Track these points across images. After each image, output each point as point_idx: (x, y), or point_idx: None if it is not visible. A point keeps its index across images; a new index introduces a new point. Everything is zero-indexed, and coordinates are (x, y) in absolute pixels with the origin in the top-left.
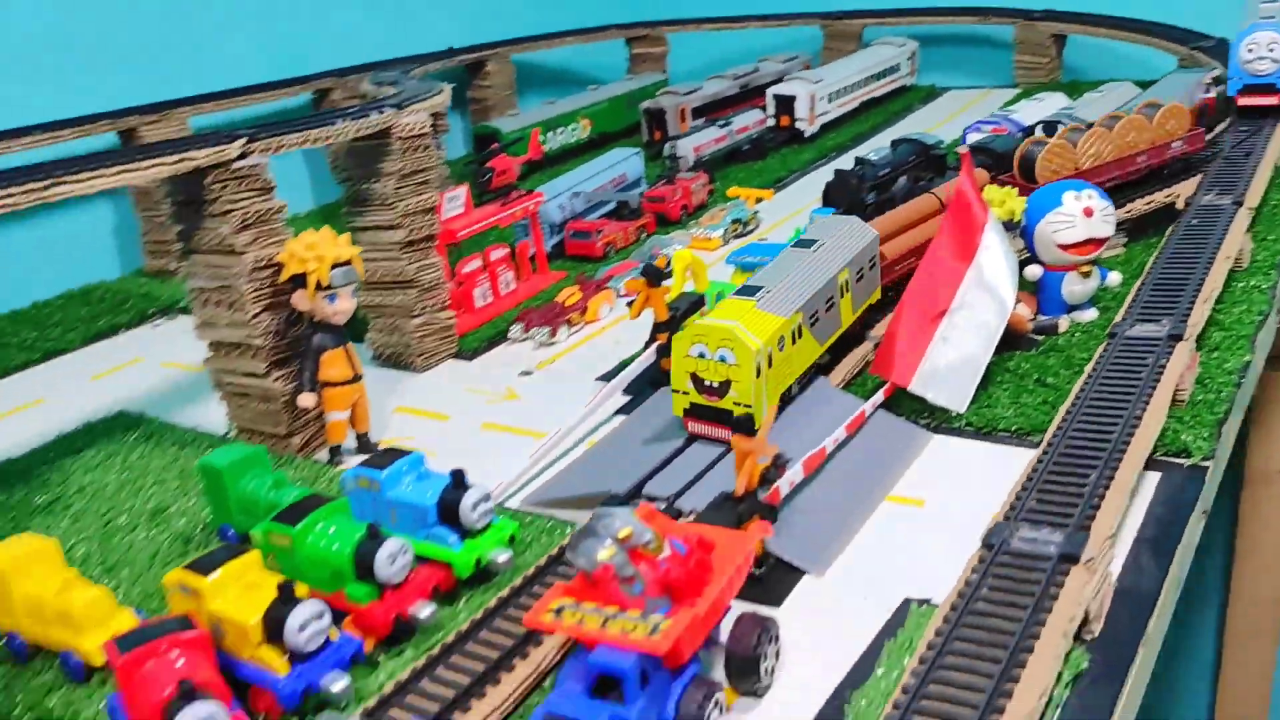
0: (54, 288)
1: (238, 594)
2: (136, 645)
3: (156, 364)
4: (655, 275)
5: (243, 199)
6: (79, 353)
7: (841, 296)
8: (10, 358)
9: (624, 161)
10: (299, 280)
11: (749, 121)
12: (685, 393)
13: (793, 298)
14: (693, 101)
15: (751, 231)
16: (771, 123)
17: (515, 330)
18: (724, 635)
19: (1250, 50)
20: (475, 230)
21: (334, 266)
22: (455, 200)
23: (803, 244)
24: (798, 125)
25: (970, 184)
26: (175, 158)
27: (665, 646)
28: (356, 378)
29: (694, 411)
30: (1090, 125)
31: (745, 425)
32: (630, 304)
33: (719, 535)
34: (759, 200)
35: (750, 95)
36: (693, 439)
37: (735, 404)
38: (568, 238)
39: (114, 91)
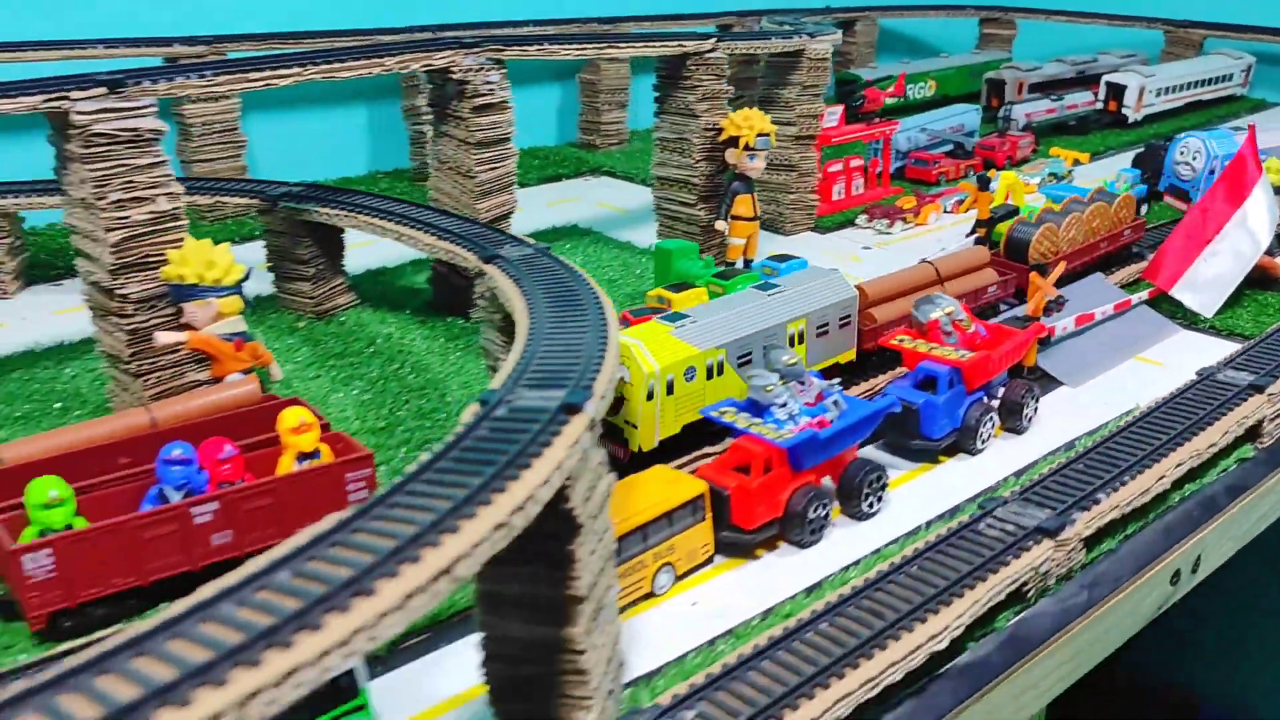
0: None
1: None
2: None
3: (593, 203)
4: (984, 183)
5: (706, 79)
6: (536, 189)
7: (791, 345)
8: None
9: (964, 114)
10: (732, 141)
11: (1079, 100)
12: None
13: (718, 333)
14: (1031, 78)
15: (1068, 180)
16: (1099, 105)
17: (862, 219)
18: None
19: (1181, 154)
20: (843, 140)
21: (759, 135)
22: (833, 115)
23: (762, 287)
24: (1124, 111)
25: (1251, 149)
26: (675, 44)
27: (965, 362)
28: (755, 218)
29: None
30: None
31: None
32: (959, 202)
33: (1007, 331)
34: (1075, 162)
35: (1083, 82)
36: None
37: (625, 422)
38: (909, 164)
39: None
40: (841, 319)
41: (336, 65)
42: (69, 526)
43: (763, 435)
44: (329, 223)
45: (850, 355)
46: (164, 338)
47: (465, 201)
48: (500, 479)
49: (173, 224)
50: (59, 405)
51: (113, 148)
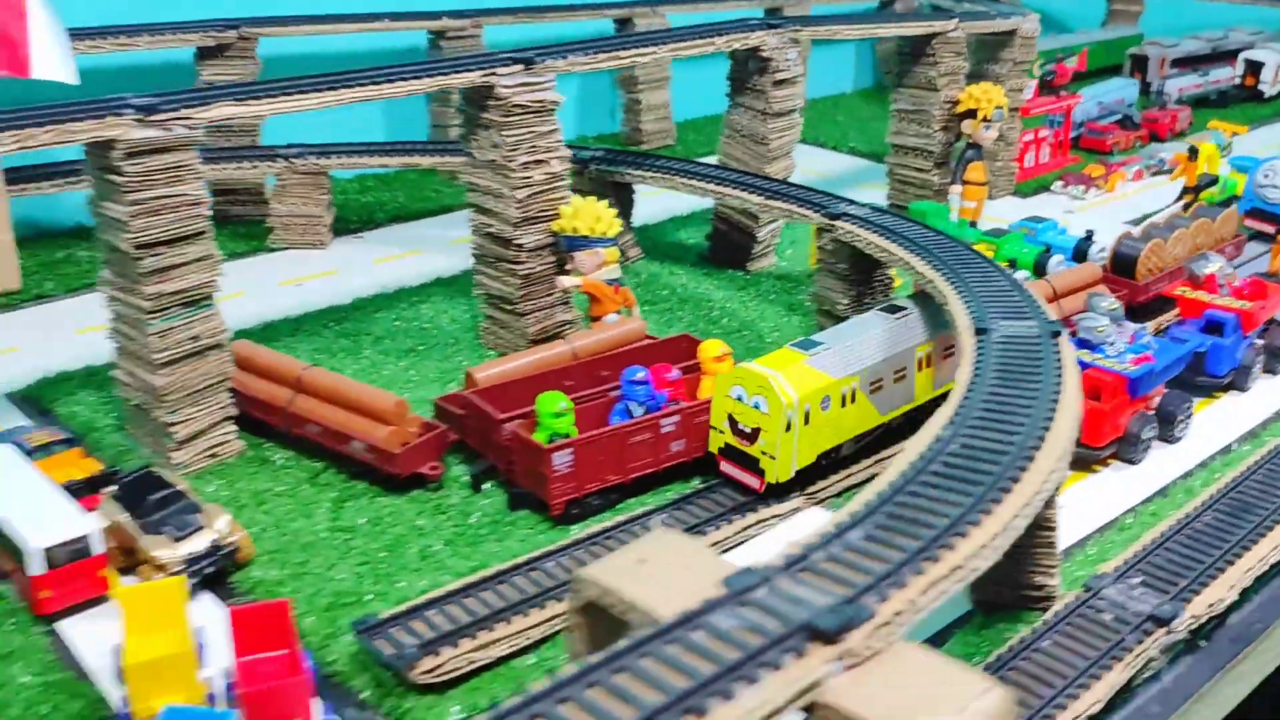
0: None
1: None
2: None
3: None
4: (1194, 153)
5: (947, 57)
6: None
7: (919, 369)
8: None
9: (1125, 88)
10: (969, 113)
11: (1220, 75)
12: (721, 431)
13: (852, 360)
14: (1172, 54)
15: (1227, 153)
16: (1237, 80)
17: (1057, 185)
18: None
19: (1265, 176)
20: (1037, 112)
21: (995, 108)
22: (1029, 89)
23: (889, 309)
24: (1260, 87)
25: None
26: (924, 25)
27: (1245, 310)
28: (984, 184)
29: (727, 452)
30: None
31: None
32: (1142, 170)
33: (1264, 284)
34: (1234, 134)
35: (1217, 57)
36: None
37: (762, 453)
38: (1084, 134)
39: None
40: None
41: (678, 45)
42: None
43: (1110, 368)
44: (642, 184)
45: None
46: (565, 281)
47: (755, 166)
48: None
49: (560, 183)
50: (436, 341)
51: (524, 116)
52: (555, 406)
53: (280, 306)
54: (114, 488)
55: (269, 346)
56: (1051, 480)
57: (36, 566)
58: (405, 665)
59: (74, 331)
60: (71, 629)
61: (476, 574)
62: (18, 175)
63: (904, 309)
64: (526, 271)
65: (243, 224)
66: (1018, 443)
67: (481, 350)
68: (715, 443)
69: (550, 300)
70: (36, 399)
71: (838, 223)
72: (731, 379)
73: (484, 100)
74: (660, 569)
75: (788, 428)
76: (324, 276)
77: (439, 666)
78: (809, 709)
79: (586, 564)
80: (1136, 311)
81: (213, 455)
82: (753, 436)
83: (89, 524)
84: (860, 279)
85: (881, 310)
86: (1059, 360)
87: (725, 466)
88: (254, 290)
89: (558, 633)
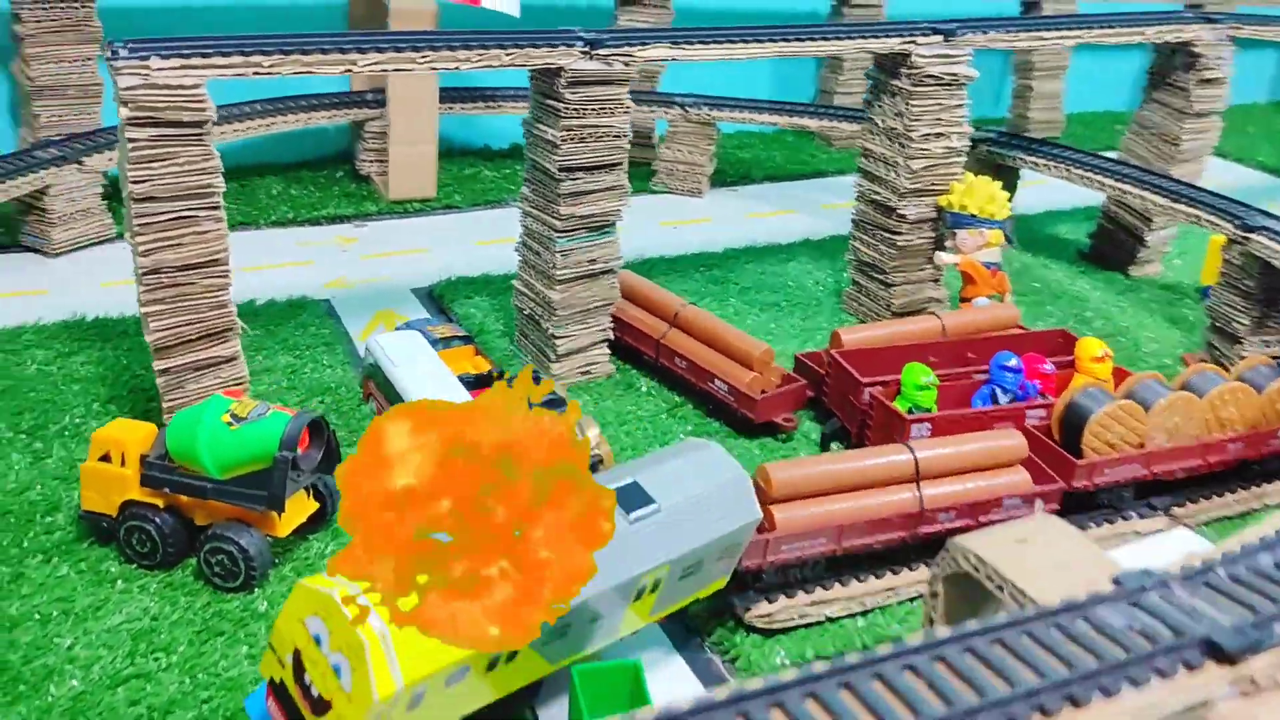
0: None
1: None
2: None
3: None
4: None
5: None
6: None
7: (633, 600)
8: None
9: None
10: None
11: None
12: (281, 662)
13: None
14: None
15: None
16: None
17: None
18: None
19: None
20: None
21: None
22: None
23: (630, 496)
24: None
25: None
26: None
27: None
28: None
29: (280, 691)
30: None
31: None
32: None
33: None
34: None
35: None
36: None
37: None
38: None
39: None
40: (727, 550)
41: (1103, 31)
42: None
43: None
44: (1033, 170)
45: (720, 584)
46: (944, 257)
47: (1159, 166)
48: None
49: (956, 159)
50: (798, 299)
51: (934, 88)
52: (921, 379)
53: (657, 245)
54: None
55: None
56: None
57: None
58: (741, 607)
59: (475, 242)
60: None
61: None
62: (444, 95)
63: (649, 502)
64: (904, 243)
65: (632, 165)
66: None
67: (841, 314)
68: (267, 667)
69: (921, 275)
70: (439, 297)
71: (1254, 236)
72: (312, 602)
73: (897, 68)
74: (1041, 553)
75: None
76: (699, 223)
77: (772, 614)
78: None
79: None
80: None
81: (586, 373)
82: (320, 708)
83: None
84: (1267, 300)
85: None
86: None
87: (272, 706)
88: (637, 227)
89: (890, 604)
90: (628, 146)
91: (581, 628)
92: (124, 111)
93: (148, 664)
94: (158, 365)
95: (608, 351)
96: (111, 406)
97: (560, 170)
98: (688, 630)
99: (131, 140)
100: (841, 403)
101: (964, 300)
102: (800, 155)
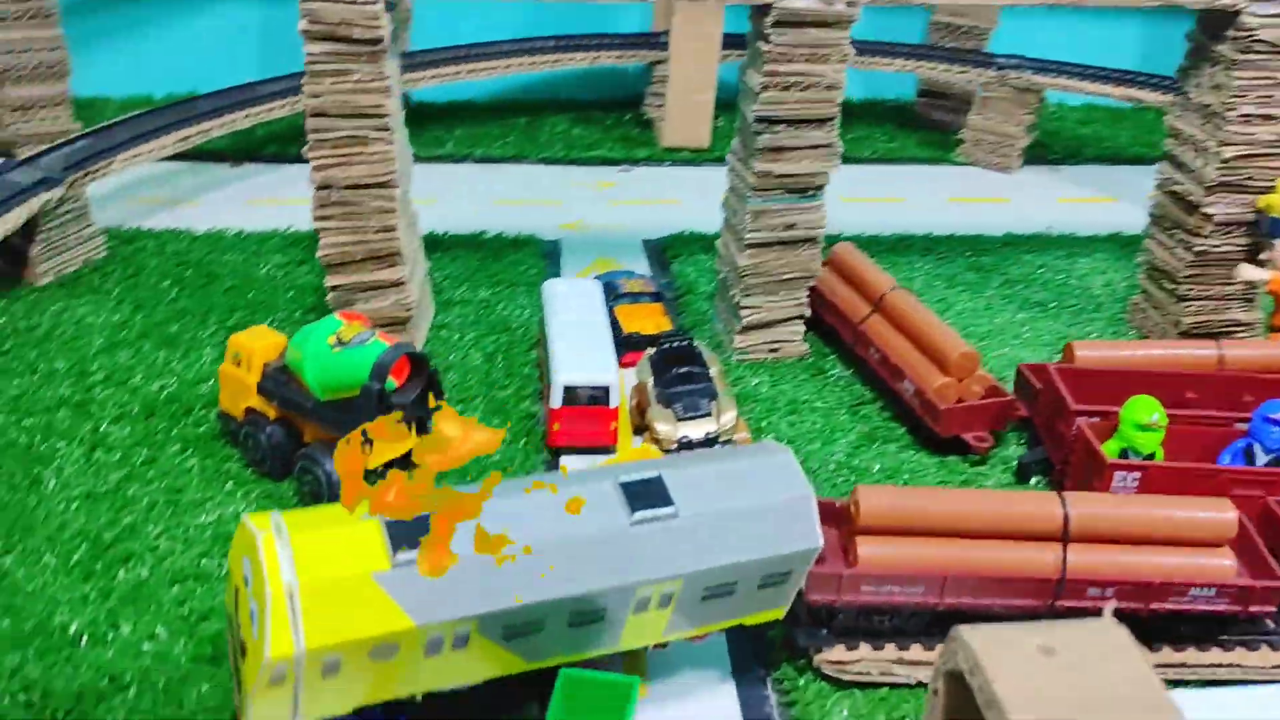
0: None
1: None
2: None
3: None
4: None
5: None
6: None
7: (636, 612)
8: None
9: None
10: None
11: None
12: (235, 597)
13: (474, 592)
14: None
15: None
16: None
17: None
18: None
19: None
20: None
21: None
22: None
23: (641, 496)
24: None
25: None
26: None
27: None
28: None
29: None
30: None
31: None
32: None
33: None
34: None
35: None
36: None
37: (238, 683)
38: None
39: None
40: (773, 576)
41: None
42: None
43: None
44: None
45: (778, 615)
46: (1248, 272)
47: None
48: None
49: None
50: (1074, 302)
51: (1266, 57)
52: (1144, 417)
53: (929, 222)
54: (653, 351)
55: (898, 260)
56: None
57: (556, 399)
58: (813, 647)
59: (719, 199)
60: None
61: None
62: (728, 42)
63: (662, 503)
64: (1204, 248)
65: (937, 131)
66: None
67: (1123, 327)
68: (230, 601)
69: (1223, 290)
70: (663, 250)
71: None
72: (245, 541)
73: (1221, 29)
74: (1064, 674)
75: (273, 683)
76: (993, 202)
77: (846, 663)
78: None
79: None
80: None
81: (773, 350)
82: (243, 651)
83: (611, 377)
84: None
85: (623, 492)
86: None
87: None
88: (919, 200)
89: None
90: (840, 100)
91: (559, 629)
92: (302, 24)
93: (211, 567)
94: (328, 282)
95: (802, 330)
96: (311, 316)
97: (757, 121)
98: (754, 656)
99: (308, 54)
100: (1050, 429)
101: (1274, 330)
102: (1154, 137)
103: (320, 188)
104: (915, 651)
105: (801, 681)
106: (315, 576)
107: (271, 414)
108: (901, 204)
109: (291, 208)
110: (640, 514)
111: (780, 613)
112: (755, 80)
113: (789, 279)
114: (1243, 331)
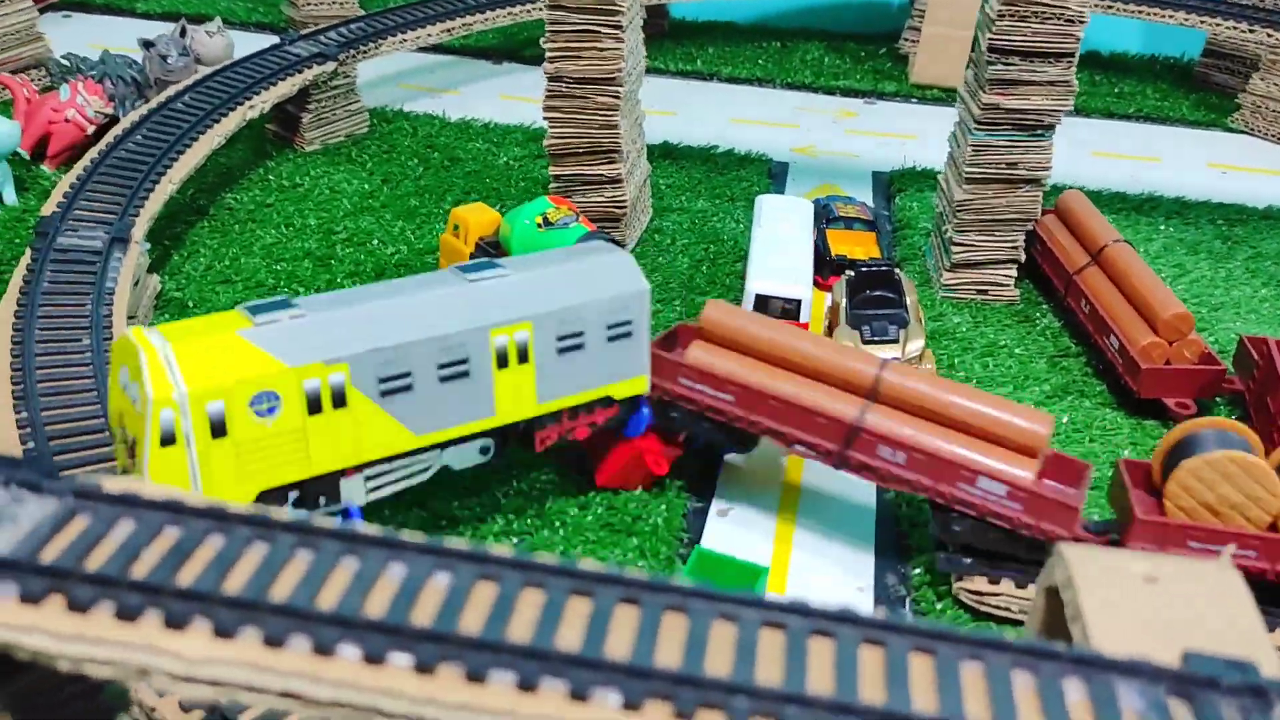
0: None
1: None
2: None
3: None
4: None
5: None
6: None
7: (499, 367)
8: None
9: None
10: None
11: None
12: (125, 445)
13: (339, 337)
14: None
15: None
16: None
17: None
18: None
19: None
20: None
21: None
22: None
23: (477, 266)
24: None
25: None
26: None
27: None
28: None
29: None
30: None
31: None
32: None
33: None
34: None
35: None
36: None
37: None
38: None
39: None
40: (621, 326)
41: None
42: None
43: None
44: None
45: (641, 384)
46: None
47: None
48: None
49: None
50: None
51: None
52: None
53: (1184, 185)
54: (851, 272)
55: (1139, 220)
56: None
57: (746, 306)
58: (954, 572)
59: None
60: None
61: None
62: None
63: (496, 268)
64: None
65: (1216, 94)
66: None
67: None
68: (121, 462)
69: None
70: (890, 183)
71: None
72: (118, 355)
73: None
74: (1166, 600)
75: (164, 442)
76: (1262, 173)
77: (985, 595)
78: None
79: None
80: None
81: (981, 291)
82: (133, 450)
83: (805, 291)
84: None
85: (459, 269)
86: None
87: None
88: (1175, 162)
89: None
90: (1081, 35)
91: (431, 387)
92: None
93: None
94: (550, 172)
95: (1013, 275)
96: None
97: (989, 50)
98: (897, 573)
99: None
100: (1260, 406)
101: None
102: None
103: (552, 79)
104: None
105: (939, 606)
106: (187, 342)
107: None
108: (1156, 164)
109: (537, 106)
110: (474, 275)
111: (643, 383)
112: (994, 6)
113: (1005, 219)
114: None
